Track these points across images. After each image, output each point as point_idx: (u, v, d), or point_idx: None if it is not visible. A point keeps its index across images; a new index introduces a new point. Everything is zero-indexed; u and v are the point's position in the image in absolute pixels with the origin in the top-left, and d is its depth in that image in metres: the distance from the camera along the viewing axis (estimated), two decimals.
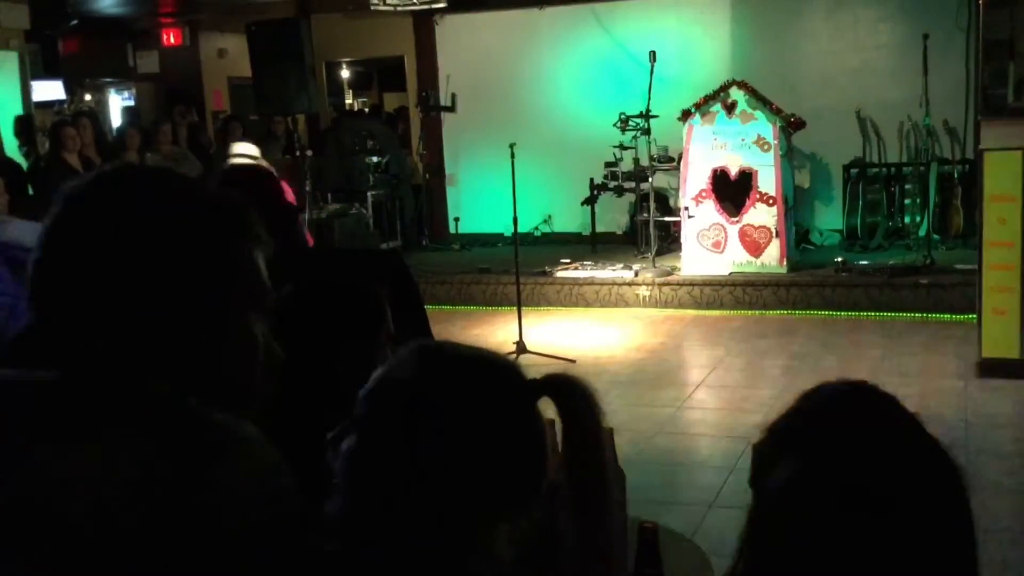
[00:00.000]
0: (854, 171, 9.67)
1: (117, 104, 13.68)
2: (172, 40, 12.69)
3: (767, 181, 8.42)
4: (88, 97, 13.11)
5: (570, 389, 1.22)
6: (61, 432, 0.98)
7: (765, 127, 8.45)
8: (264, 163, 6.50)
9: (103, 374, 1.02)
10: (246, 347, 1.12)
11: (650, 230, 9.02)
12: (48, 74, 11.46)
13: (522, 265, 7.44)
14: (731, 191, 8.59)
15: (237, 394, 1.11)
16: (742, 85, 8.54)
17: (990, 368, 6.07)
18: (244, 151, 6.65)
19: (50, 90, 11.69)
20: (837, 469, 1.03)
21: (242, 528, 0.99)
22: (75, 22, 11.21)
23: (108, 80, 13.42)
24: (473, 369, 1.21)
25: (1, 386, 1.02)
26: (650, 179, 8.96)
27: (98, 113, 11.78)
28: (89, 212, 1.06)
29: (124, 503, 0.95)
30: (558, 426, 1.24)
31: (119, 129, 9.69)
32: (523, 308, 7.30)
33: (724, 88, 8.61)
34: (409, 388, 1.17)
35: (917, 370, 6.39)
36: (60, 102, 11.75)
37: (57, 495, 0.94)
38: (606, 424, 1.23)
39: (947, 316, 7.59)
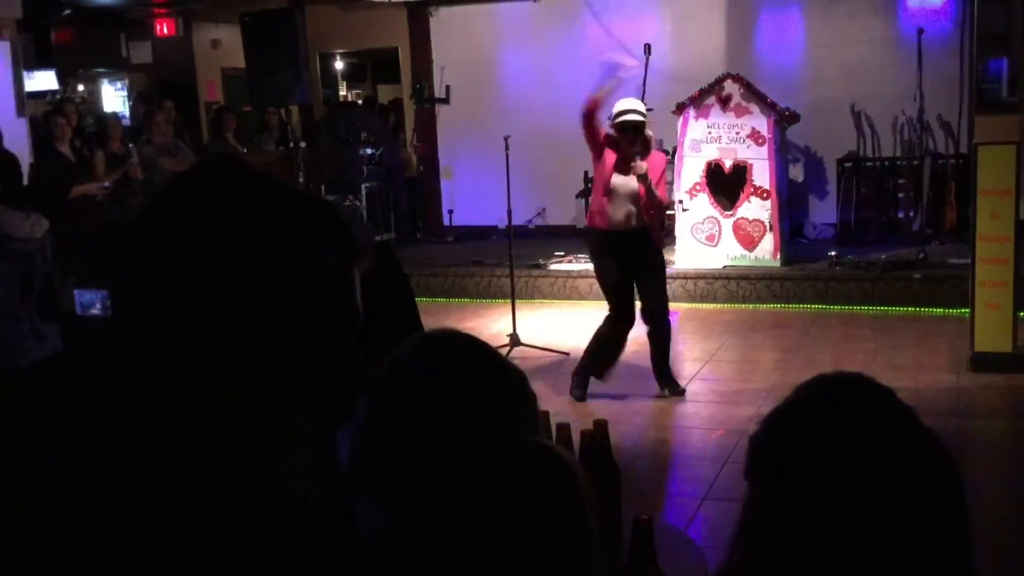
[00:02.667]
0: (848, 165, 9.68)
1: (111, 94, 13.63)
2: (165, 30, 12.64)
3: (761, 175, 8.43)
4: (81, 87, 13.06)
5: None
6: (128, 433, 0.97)
7: (760, 120, 8.45)
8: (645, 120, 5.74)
9: (182, 372, 1.00)
10: (335, 362, 1.06)
11: None
12: (41, 64, 11.40)
13: (516, 258, 7.43)
14: (725, 184, 8.60)
15: (322, 407, 1.08)
16: (737, 78, 8.54)
17: (982, 362, 6.10)
18: (633, 106, 5.69)
19: (43, 80, 11.64)
20: (833, 461, 1.03)
21: (295, 527, 1.00)
22: (68, 12, 11.16)
23: (101, 70, 13.37)
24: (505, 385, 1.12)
25: (81, 383, 0.99)
26: None
27: (80, 103, 11.72)
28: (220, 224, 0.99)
29: (183, 500, 0.96)
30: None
31: (101, 118, 9.61)
32: (517, 301, 7.29)
33: (719, 81, 8.61)
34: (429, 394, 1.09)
35: (910, 364, 6.40)
36: (53, 92, 11.71)
37: (128, 494, 0.95)
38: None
39: (940, 310, 7.61)
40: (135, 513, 0.93)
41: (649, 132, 5.81)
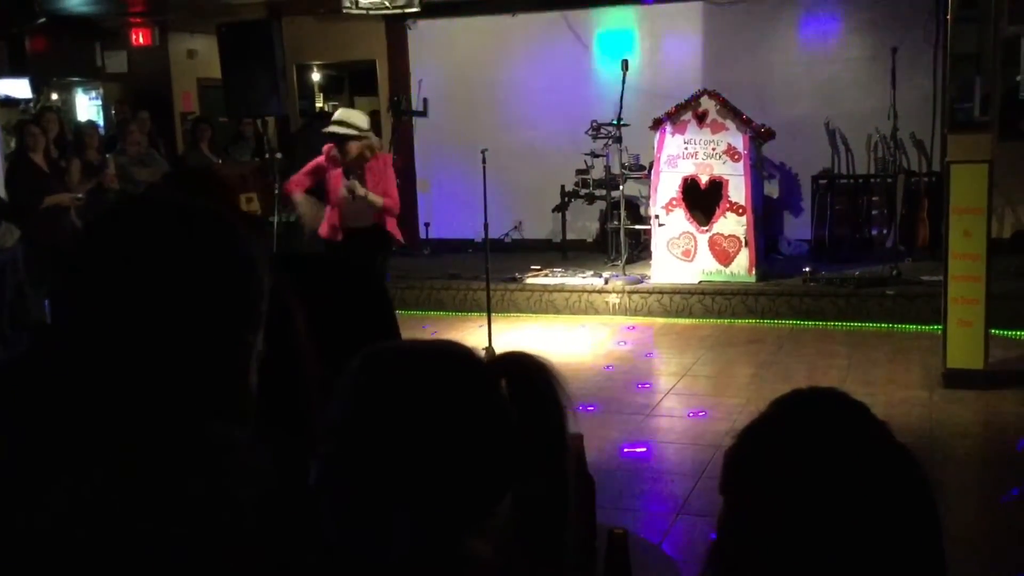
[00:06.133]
0: (822, 182, 9.76)
1: (84, 103, 13.53)
2: (141, 40, 12.57)
3: (737, 191, 8.48)
4: (55, 96, 12.96)
5: (525, 366, 1.16)
6: (61, 447, 1.01)
7: (735, 137, 8.50)
8: (369, 137, 6.18)
9: (110, 386, 1.05)
10: (248, 363, 1.15)
11: (620, 238, 9.04)
12: (14, 72, 11.30)
13: (492, 271, 7.43)
14: (701, 200, 8.64)
15: (239, 406, 1.15)
16: (713, 95, 8.59)
17: (955, 379, 6.14)
18: (344, 118, 6.10)
19: (16, 88, 11.55)
20: (808, 476, 1.03)
21: (236, 534, 1.01)
22: (43, 20, 11.07)
23: (75, 79, 13.27)
24: (423, 361, 1.15)
25: (19, 397, 1.05)
26: (621, 187, 8.99)
27: (60, 111, 11.65)
28: (126, 242, 1.10)
29: (119, 512, 0.98)
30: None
31: (77, 127, 9.54)
32: (493, 314, 7.29)
33: (695, 97, 8.66)
34: (363, 394, 1.12)
35: (883, 380, 6.44)
36: (26, 101, 11.61)
37: (62, 508, 0.97)
38: (569, 406, 1.16)
39: (913, 327, 7.66)
40: (58, 516, 0.96)
41: (368, 142, 6.15)
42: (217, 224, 1.15)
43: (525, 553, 1.13)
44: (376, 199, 6.16)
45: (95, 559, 0.96)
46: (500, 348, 5.64)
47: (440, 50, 11.20)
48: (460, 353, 1.18)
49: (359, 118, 6.20)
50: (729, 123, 8.53)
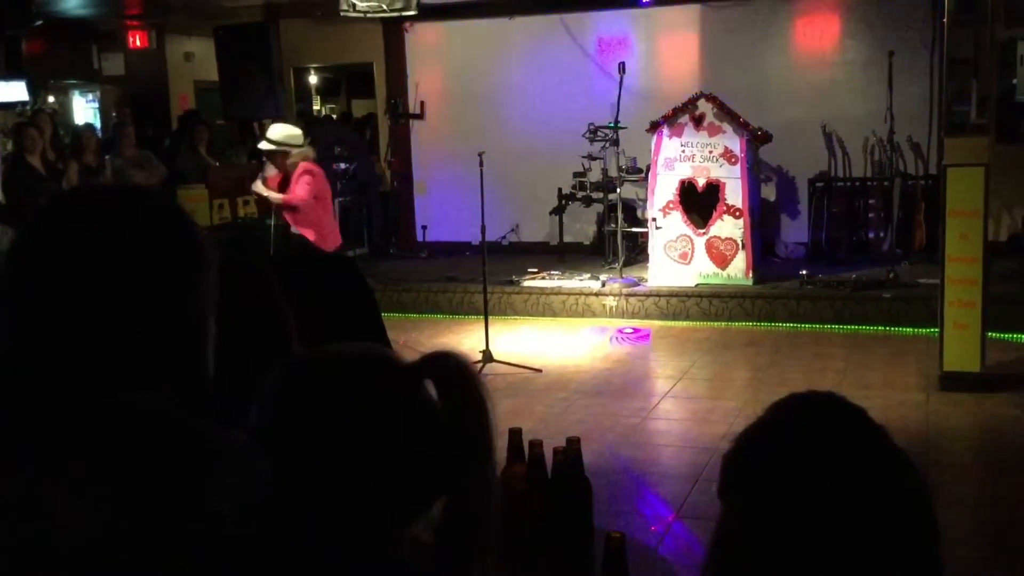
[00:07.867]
0: (819, 185, 9.77)
1: (81, 106, 13.53)
2: (138, 42, 12.55)
3: (734, 193, 8.48)
4: (51, 99, 12.95)
5: (446, 367, 1.17)
6: (57, 452, 1.00)
7: (733, 140, 8.51)
8: (292, 150, 6.78)
9: (93, 386, 1.04)
10: (208, 348, 1.16)
11: (617, 241, 9.04)
12: (11, 75, 11.29)
13: (489, 274, 7.42)
14: (698, 203, 8.64)
15: (203, 391, 1.15)
16: (710, 98, 8.60)
17: (951, 381, 6.14)
18: (274, 135, 6.77)
19: (13, 91, 11.53)
20: (806, 480, 1.03)
21: (235, 537, 1.02)
22: (40, 22, 11.06)
23: (72, 82, 13.26)
24: (342, 368, 1.17)
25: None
26: (618, 190, 8.99)
27: (57, 113, 11.66)
28: (87, 234, 1.09)
29: (121, 517, 0.98)
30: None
31: (76, 130, 9.56)
32: (490, 317, 7.28)
33: (692, 100, 8.66)
34: (284, 404, 1.13)
35: (879, 383, 6.44)
36: (23, 103, 11.60)
37: (55, 512, 0.97)
38: (491, 404, 1.17)
39: (909, 330, 7.67)
40: (46, 509, 0.95)
41: (289, 160, 6.85)
42: (163, 204, 1.16)
43: (458, 546, 1.13)
44: (275, 196, 6.95)
45: (85, 562, 0.96)
46: (497, 351, 5.65)
47: (437, 53, 11.21)
48: (380, 357, 1.19)
49: (276, 131, 6.87)
50: (726, 126, 8.53)
